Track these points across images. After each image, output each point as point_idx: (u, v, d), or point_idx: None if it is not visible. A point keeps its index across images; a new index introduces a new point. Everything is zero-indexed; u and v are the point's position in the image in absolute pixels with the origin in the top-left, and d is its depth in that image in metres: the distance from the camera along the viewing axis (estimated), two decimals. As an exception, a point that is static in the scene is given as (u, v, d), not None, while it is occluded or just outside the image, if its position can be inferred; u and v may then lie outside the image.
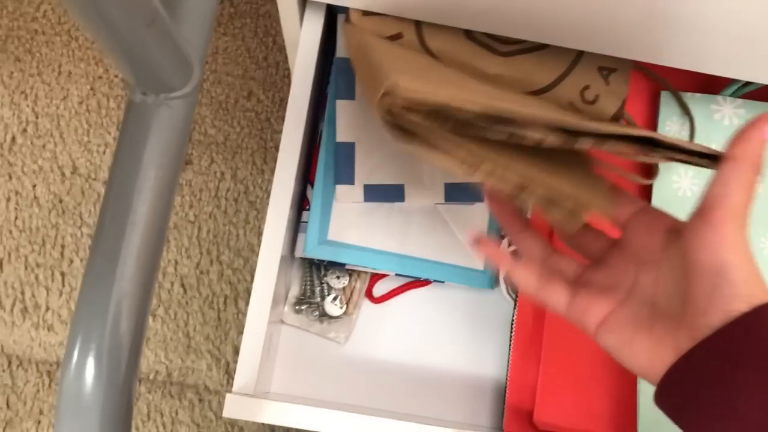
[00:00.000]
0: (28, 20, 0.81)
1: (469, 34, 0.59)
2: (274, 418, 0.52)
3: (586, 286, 0.43)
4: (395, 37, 0.58)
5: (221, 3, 0.80)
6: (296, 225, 0.62)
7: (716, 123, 0.62)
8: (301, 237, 0.62)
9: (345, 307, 0.63)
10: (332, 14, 0.62)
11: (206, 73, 0.78)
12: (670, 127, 0.64)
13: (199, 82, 0.41)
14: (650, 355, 0.38)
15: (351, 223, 0.61)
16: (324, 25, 0.60)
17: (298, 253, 0.61)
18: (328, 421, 0.52)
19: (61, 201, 0.76)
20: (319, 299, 0.64)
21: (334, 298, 0.63)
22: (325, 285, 0.64)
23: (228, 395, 0.51)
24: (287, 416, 0.52)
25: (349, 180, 0.61)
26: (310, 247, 0.60)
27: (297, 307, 0.64)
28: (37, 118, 0.78)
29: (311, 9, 0.59)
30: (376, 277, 0.65)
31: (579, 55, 0.60)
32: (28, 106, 0.78)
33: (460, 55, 0.59)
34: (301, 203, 0.63)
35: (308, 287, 0.65)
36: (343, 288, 0.64)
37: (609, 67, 0.60)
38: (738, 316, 0.34)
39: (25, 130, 0.78)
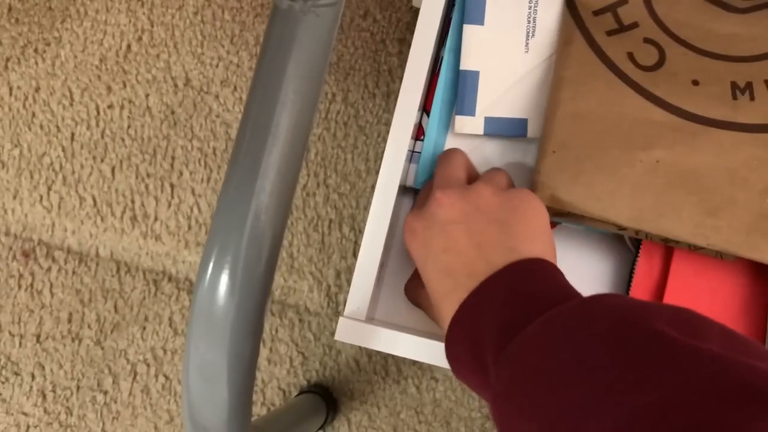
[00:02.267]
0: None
1: None
2: (384, 346, 0.51)
3: None
4: (620, 3, 0.56)
5: None
6: (409, 155, 0.61)
7: None
8: (412, 167, 0.60)
9: None
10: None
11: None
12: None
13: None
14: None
15: (470, 154, 0.59)
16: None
17: (409, 183, 0.60)
18: (435, 353, 0.51)
19: (173, 112, 0.76)
20: None
21: None
22: None
23: (341, 318, 0.51)
24: (396, 345, 0.51)
25: (471, 111, 0.59)
26: (421, 177, 0.59)
27: None
28: (152, 26, 0.78)
29: None
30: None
31: None
32: (144, 14, 0.78)
33: (690, 15, 0.56)
34: (415, 132, 0.61)
35: None
36: None
37: None
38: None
39: (140, 39, 0.78)
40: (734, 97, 0.55)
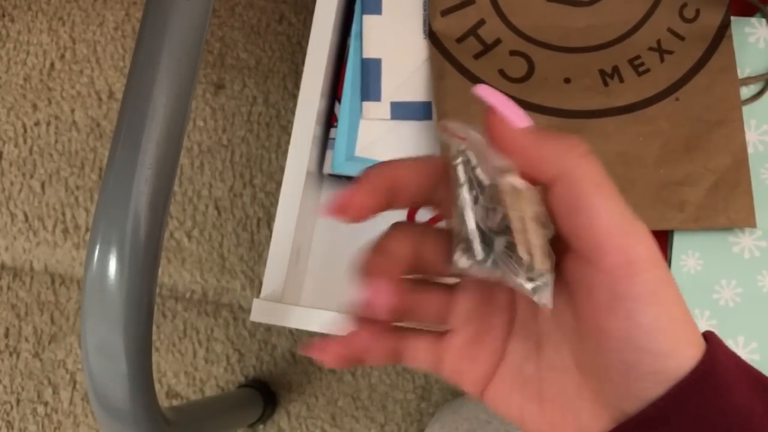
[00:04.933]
0: (63, -53, 0.82)
1: None
2: (298, 323, 0.53)
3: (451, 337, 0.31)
4: (479, 25, 0.59)
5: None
6: (324, 142, 0.63)
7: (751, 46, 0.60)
8: (329, 154, 0.62)
9: (528, 259, 0.31)
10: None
11: (235, 5, 0.78)
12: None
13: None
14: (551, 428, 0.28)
15: (379, 140, 0.61)
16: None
17: (326, 170, 0.62)
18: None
19: (98, 125, 0.78)
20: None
21: (509, 246, 0.25)
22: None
23: (255, 300, 0.52)
24: (309, 321, 0.53)
25: (376, 96, 0.61)
26: (337, 162, 0.61)
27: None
28: (74, 44, 0.79)
29: None
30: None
31: None
32: (65, 32, 0.80)
33: (545, 19, 0.59)
34: (329, 120, 0.63)
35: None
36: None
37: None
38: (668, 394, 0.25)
39: (63, 56, 0.79)
40: (606, 84, 0.58)
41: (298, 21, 0.78)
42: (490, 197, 0.26)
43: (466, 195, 0.27)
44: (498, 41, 0.60)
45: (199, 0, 0.41)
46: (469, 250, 0.27)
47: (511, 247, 0.26)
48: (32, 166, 0.77)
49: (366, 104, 0.61)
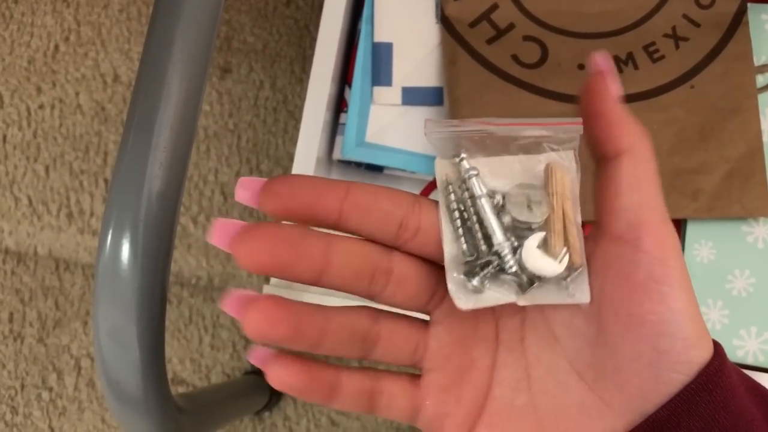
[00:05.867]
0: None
1: None
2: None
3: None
4: (492, 9, 0.58)
5: None
6: (334, 128, 0.62)
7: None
8: (339, 140, 0.61)
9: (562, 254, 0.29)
10: None
11: (245, -21, 0.77)
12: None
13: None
14: None
15: (389, 125, 0.61)
16: None
17: (336, 156, 0.61)
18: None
19: (103, 109, 0.77)
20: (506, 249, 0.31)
21: (541, 244, 0.29)
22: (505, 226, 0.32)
23: (265, 286, 0.52)
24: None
25: (387, 81, 0.61)
26: (347, 148, 0.60)
27: (470, 279, 0.29)
28: (79, 26, 0.78)
29: None
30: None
31: None
32: (70, 14, 0.78)
33: (559, 4, 0.58)
34: (339, 105, 0.62)
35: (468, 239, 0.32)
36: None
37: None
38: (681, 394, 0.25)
39: (67, 39, 0.78)
40: (620, 71, 0.57)
41: (306, 4, 0.77)
42: (514, 199, 0.26)
43: (487, 205, 0.26)
44: (511, 26, 0.59)
45: (214, -20, 0.40)
46: (485, 267, 0.26)
47: (544, 244, 0.26)
48: (36, 150, 0.76)
49: (377, 89, 0.60)
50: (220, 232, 0.25)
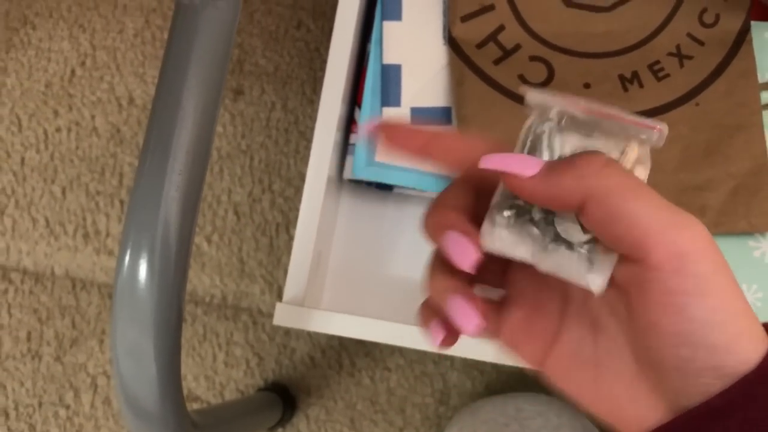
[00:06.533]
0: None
1: (567, 2, 0.59)
2: (319, 326, 0.53)
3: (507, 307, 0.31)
4: (498, 30, 0.59)
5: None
6: (344, 148, 0.63)
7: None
8: (349, 159, 0.62)
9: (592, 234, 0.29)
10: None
11: (256, 3, 0.79)
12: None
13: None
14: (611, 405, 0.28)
15: (398, 144, 0.62)
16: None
17: (347, 175, 0.62)
18: (370, 329, 0.53)
19: (119, 131, 0.78)
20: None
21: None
22: None
23: (278, 304, 0.53)
24: (331, 324, 0.53)
25: (396, 102, 0.62)
26: (358, 168, 0.61)
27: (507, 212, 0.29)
28: (94, 50, 0.80)
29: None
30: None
31: None
32: (86, 39, 0.80)
33: (565, 25, 0.59)
34: (349, 126, 0.63)
35: None
36: None
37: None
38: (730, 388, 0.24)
39: (83, 63, 0.80)
40: (625, 89, 0.58)
41: (317, 27, 0.78)
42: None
43: (546, 152, 0.27)
44: (518, 47, 0.60)
45: (228, 6, 0.42)
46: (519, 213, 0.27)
47: (573, 220, 0.26)
48: (53, 172, 0.78)
49: (386, 110, 0.61)
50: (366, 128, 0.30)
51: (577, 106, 0.27)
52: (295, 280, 0.55)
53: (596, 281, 0.26)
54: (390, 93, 0.61)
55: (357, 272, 0.65)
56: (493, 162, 0.26)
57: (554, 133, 0.27)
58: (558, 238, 0.26)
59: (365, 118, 0.62)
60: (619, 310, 0.27)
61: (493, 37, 0.60)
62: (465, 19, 0.60)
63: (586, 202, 0.25)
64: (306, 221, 0.55)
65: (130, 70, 0.79)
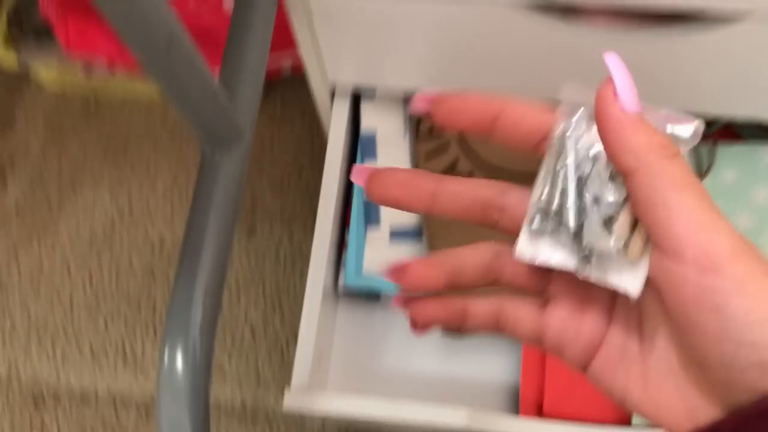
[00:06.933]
0: (122, 129, 1.01)
1: None
2: (325, 408, 0.64)
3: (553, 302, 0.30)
4: (453, 164, 0.74)
5: (273, 102, 0.99)
6: (338, 264, 0.77)
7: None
8: (342, 273, 0.76)
9: (622, 240, 0.28)
10: (357, 100, 0.78)
11: (263, 165, 0.95)
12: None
13: (249, 145, 0.57)
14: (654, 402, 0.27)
15: (381, 257, 0.76)
16: (350, 106, 0.76)
17: (341, 286, 0.76)
18: (373, 408, 0.64)
19: (152, 271, 0.93)
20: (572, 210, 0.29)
21: (607, 221, 0.27)
22: (586, 190, 0.29)
23: (286, 391, 0.64)
24: (333, 405, 0.64)
25: (377, 222, 0.76)
26: (348, 278, 0.75)
27: (539, 221, 0.28)
28: (131, 204, 0.97)
29: (339, 97, 0.75)
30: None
31: None
32: (124, 195, 0.97)
33: (513, 156, 0.73)
34: (340, 246, 0.78)
35: (555, 184, 0.29)
36: (620, 206, 0.28)
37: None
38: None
39: (122, 215, 0.96)
40: None
41: (316, 172, 0.95)
42: (601, 165, 0.26)
43: (572, 166, 0.26)
44: (471, 173, 0.75)
45: (236, 165, 0.57)
46: (556, 223, 0.27)
47: (609, 222, 0.26)
48: (97, 307, 0.92)
49: (369, 234, 0.76)
50: (357, 175, 0.31)
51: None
52: (299, 376, 0.67)
53: (632, 284, 0.26)
54: (371, 215, 0.76)
55: (355, 365, 0.77)
56: (616, 69, 0.25)
57: (584, 129, 0.27)
58: (591, 245, 0.26)
59: (353, 238, 0.76)
60: (659, 309, 0.27)
61: (449, 171, 0.75)
62: (428, 157, 0.76)
63: (636, 171, 0.25)
64: (307, 327, 0.68)
65: (162, 219, 0.95)
